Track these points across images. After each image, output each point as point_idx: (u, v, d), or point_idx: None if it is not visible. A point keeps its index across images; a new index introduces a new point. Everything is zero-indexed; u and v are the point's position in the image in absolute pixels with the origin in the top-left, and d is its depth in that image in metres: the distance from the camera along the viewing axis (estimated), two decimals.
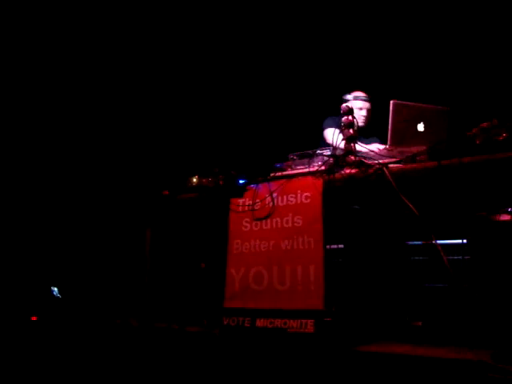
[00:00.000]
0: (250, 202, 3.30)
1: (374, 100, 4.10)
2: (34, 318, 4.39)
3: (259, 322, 3.08)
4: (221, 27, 5.82)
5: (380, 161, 2.86)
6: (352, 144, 2.96)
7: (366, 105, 4.04)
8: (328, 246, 3.06)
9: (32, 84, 5.78)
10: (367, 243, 3.25)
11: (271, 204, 3.22)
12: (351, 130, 2.97)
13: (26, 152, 5.73)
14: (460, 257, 2.90)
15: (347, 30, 5.29)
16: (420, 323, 3.01)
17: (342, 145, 3.06)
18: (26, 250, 5.20)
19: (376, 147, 3.33)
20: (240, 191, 3.39)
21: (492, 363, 2.21)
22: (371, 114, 4.10)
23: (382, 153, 2.99)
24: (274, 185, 3.24)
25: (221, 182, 3.51)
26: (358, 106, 3.98)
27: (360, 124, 3.93)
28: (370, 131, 4.06)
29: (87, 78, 5.95)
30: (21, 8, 5.58)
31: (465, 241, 2.96)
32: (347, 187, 2.95)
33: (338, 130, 3.14)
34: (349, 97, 4.01)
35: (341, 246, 3.36)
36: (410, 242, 3.14)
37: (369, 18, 5.19)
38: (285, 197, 3.18)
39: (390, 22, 5.09)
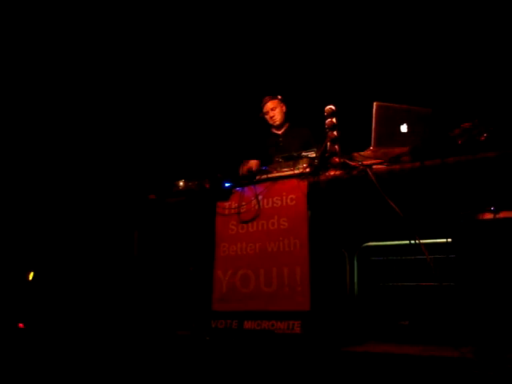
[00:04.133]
0: (236, 205, 3.32)
1: (356, 102, 4.09)
2: (20, 326, 4.34)
3: (247, 324, 3.10)
4: (199, 36, 5.84)
5: (364, 162, 2.89)
6: (336, 145, 2.99)
7: (274, 102, 4.13)
8: None
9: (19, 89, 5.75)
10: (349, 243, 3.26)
11: (257, 207, 3.24)
12: (335, 132, 2.99)
13: (12, 157, 5.70)
14: (445, 256, 2.92)
15: (328, 33, 5.31)
16: (407, 322, 3.03)
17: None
18: (11, 253, 5.15)
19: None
20: (226, 194, 3.40)
21: (475, 360, 2.24)
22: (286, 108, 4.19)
23: (366, 154, 3.01)
24: (259, 187, 3.27)
25: (207, 186, 3.52)
26: (268, 108, 4.14)
27: (277, 123, 4.16)
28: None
29: (76, 84, 5.94)
30: (21, 8, 5.55)
31: (449, 240, 2.98)
32: (332, 189, 2.98)
33: None
34: (263, 108, 4.17)
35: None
36: (394, 242, 3.15)
37: (351, 22, 5.23)
38: (270, 199, 3.20)
39: (371, 24, 5.12)
